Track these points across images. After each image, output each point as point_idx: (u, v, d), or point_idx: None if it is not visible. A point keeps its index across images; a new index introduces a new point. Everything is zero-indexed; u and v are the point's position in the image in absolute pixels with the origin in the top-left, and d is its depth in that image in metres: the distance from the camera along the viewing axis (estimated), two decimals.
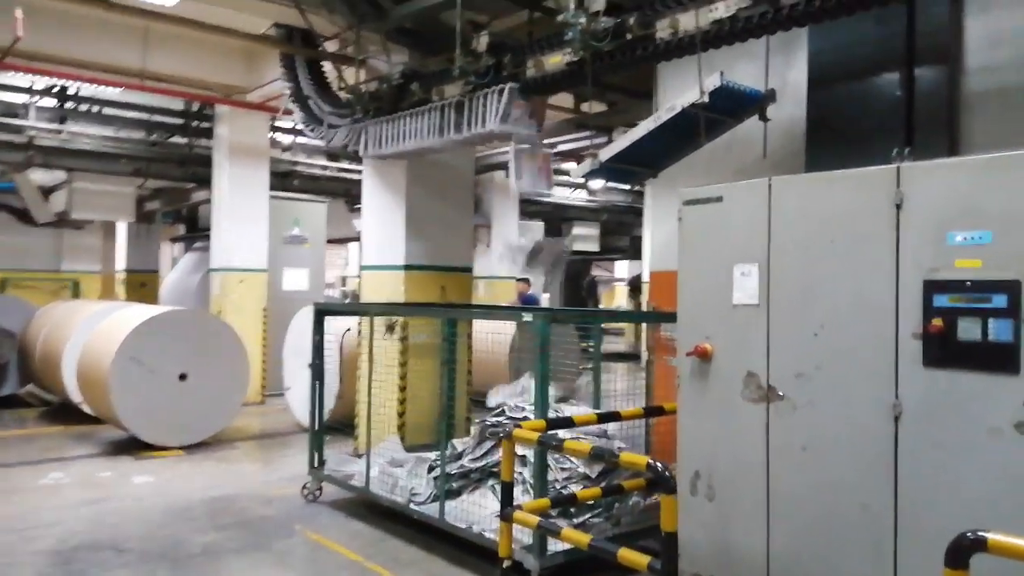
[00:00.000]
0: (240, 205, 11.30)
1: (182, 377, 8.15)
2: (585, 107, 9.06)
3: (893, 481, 3.32)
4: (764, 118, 4.70)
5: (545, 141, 9.99)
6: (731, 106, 4.58)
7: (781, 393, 3.69)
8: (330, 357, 7.01)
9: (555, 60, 5.35)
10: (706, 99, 4.24)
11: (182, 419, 8.14)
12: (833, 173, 3.61)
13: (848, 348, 3.47)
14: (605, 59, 4.93)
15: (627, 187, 5.54)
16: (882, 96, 4.53)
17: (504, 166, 13.69)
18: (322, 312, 6.47)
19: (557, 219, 18.00)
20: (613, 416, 4.49)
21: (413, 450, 6.58)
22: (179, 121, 12.43)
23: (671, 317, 4.73)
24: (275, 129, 12.56)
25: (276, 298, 11.95)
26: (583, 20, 4.82)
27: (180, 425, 8.14)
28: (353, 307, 7.12)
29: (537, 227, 17.17)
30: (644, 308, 16.79)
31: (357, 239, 17.10)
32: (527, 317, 4.36)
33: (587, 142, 10.63)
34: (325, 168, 13.75)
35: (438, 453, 5.90)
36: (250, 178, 11.42)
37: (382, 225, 7.66)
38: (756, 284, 3.80)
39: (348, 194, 14.51)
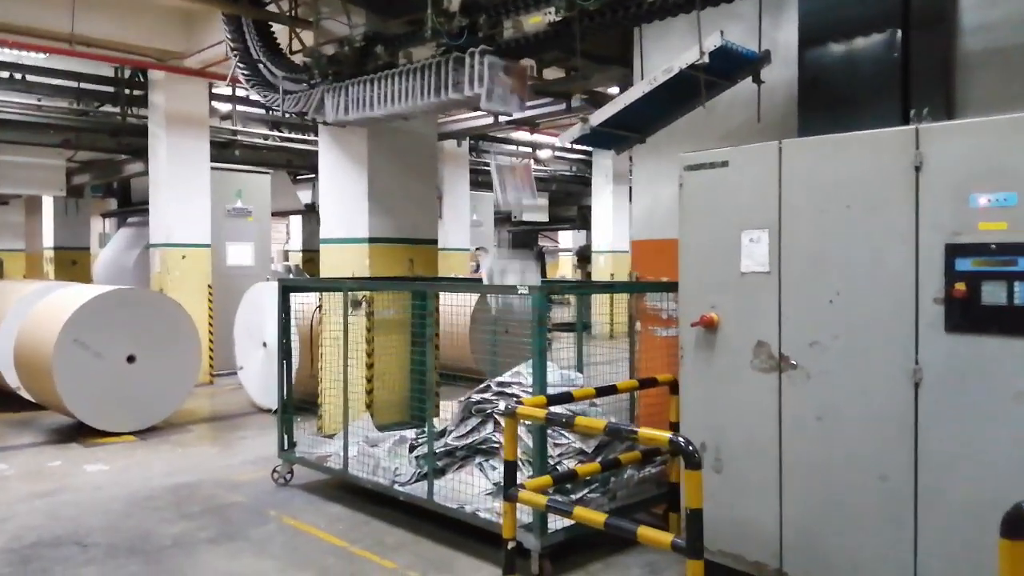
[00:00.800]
0: (179, 177, 10.74)
1: (130, 359, 7.71)
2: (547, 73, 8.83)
3: (913, 450, 3.28)
4: (758, 80, 4.58)
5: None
6: (727, 67, 4.44)
7: (794, 362, 3.61)
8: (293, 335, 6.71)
9: (535, 20, 5.11)
10: (706, 60, 4.08)
11: (132, 403, 7.72)
12: (848, 135, 3.51)
13: (866, 315, 3.40)
14: (592, 19, 4.73)
15: (617, 153, 5.43)
16: (876, 57, 4.44)
17: (455, 135, 13.41)
18: (288, 288, 6.16)
19: None
20: (610, 389, 4.35)
21: (383, 429, 6.37)
22: (110, 89, 11.70)
23: (669, 287, 4.63)
24: (213, 97, 11.96)
25: (220, 274, 11.47)
26: None
27: (130, 409, 7.73)
28: (324, 283, 6.79)
29: (488, 198, 16.92)
30: (593, 278, 16.78)
31: (301, 212, 16.57)
32: (523, 291, 4.18)
33: (545, 109, 10.40)
34: (267, 138, 13.20)
35: (417, 431, 5.72)
36: (189, 148, 10.85)
37: (343, 196, 7.33)
38: (766, 251, 3.70)
39: (291, 164, 14.00)
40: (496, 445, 4.92)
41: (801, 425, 3.60)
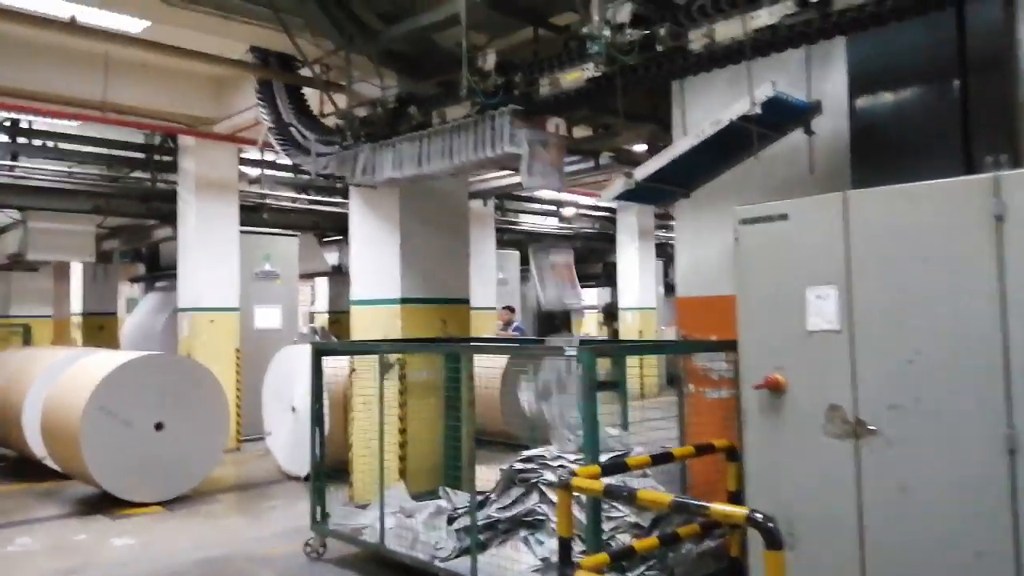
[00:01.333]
0: (208, 242, 10.72)
1: (158, 427, 7.54)
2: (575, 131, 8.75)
3: (1012, 523, 3.00)
4: (809, 131, 4.43)
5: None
6: (777, 119, 4.29)
7: (872, 428, 3.36)
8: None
9: (573, 76, 5.02)
10: (758, 110, 3.93)
11: (160, 472, 7.52)
12: (919, 185, 3.32)
13: (950, 375, 3.16)
14: (631, 74, 4.62)
15: (659, 209, 5.33)
16: (932, 105, 4.30)
17: (481, 194, 13.36)
18: (320, 352, 5.99)
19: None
20: (666, 457, 4.10)
21: (417, 498, 6.10)
22: (140, 155, 11.82)
23: (726, 346, 4.40)
24: (242, 161, 12.02)
25: (248, 338, 11.36)
26: (607, 33, 4.52)
27: (158, 479, 7.52)
28: (358, 345, 6.62)
29: (513, 256, 16.82)
30: (620, 335, 16.49)
31: (327, 274, 16.54)
32: (570, 351, 3.97)
33: (573, 167, 10.31)
34: (295, 200, 13.24)
35: (451, 499, 5.45)
36: (218, 213, 10.86)
37: (374, 257, 7.21)
38: (835, 307, 3.48)
39: (318, 227, 14.02)
40: (542, 517, 4.65)
41: (883, 497, 3.33)
